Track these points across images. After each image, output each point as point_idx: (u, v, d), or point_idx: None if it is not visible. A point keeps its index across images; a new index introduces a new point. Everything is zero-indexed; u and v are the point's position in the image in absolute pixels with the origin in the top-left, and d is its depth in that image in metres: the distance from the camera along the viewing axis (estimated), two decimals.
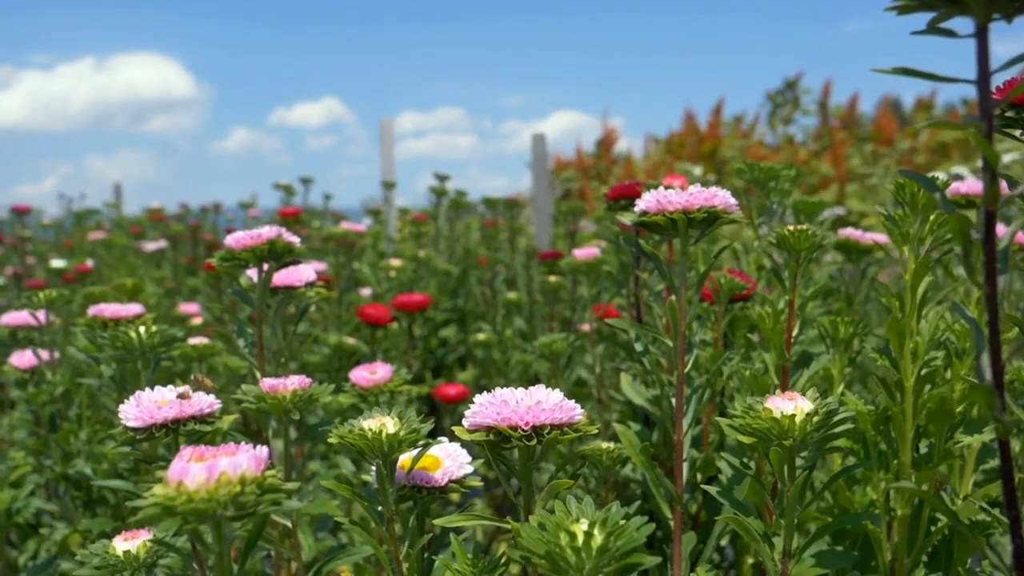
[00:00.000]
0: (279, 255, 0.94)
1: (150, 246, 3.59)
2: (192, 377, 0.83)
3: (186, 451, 0.50)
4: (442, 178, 3.41)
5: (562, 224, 3.53)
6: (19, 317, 1.57)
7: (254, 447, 0.50)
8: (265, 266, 0.95)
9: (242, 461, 0.48)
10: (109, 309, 1.21)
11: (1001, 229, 1.00)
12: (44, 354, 1.46)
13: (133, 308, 1.23)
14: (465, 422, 0.68)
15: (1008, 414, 0.53)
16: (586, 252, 1.80)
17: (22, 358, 1.50)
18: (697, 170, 6.37)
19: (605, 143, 8.96)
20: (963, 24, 0.53)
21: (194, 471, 0.47)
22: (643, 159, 8.79)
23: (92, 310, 1.21)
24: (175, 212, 4.60)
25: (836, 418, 0.64)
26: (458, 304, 2.68)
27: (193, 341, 1.48)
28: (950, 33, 0.53)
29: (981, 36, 0.52)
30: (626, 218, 0.79)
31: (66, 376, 1.46)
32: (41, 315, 1.41)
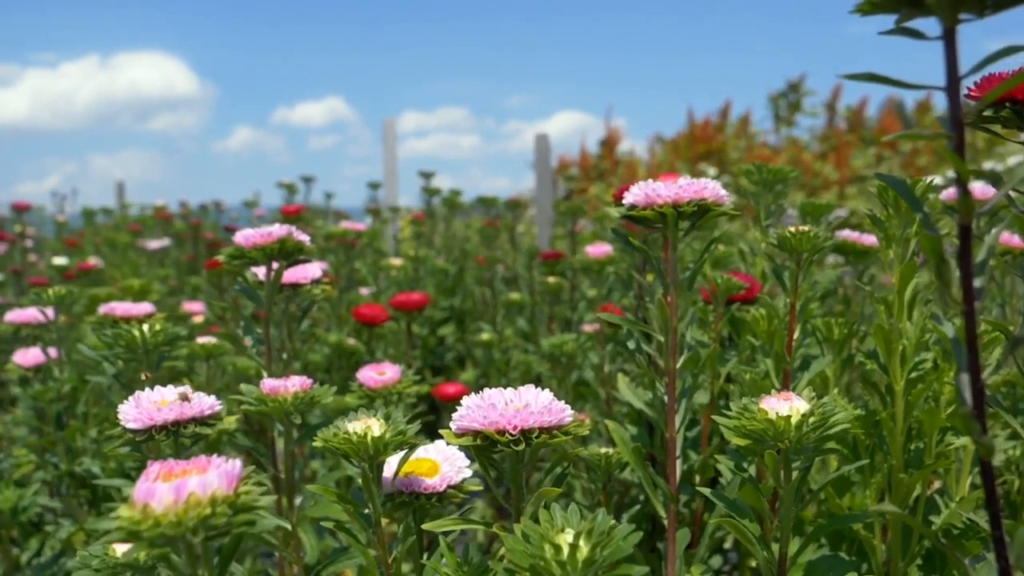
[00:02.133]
0: (289, 254, 0.93)
1: (153, 244, 3.60)
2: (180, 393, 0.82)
3: (153, 467, 0.48)
4: (427, 175, 3.41)
5: (562, 224, 3.53)
6: (25, 315, 1.57)
7: (226, 461, 0.48)
8: (274, 264, 0.95)
9: (212, 479, 0.45)
10: (120, 307, 1.22)
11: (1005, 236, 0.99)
12: (52, 351, 1.46)
13: (144, 307, 1.24)
14: (452, 425, 0.67)
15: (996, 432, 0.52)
16: (599, 249, 1.79)
17: (26, 356, 1.50)
18: (712, 170, 6.36)
19: (608, 143, 8.95)
20: (934, 25, 0.50)
21: (160, 492, 0.44)
22: (648, 159, 8.78)
23: (103, 308, 1.22)
24: (176, 211, 4.61)
25: (832, 419, 0.63)
26: (455, 304, 2.69)
27: (201, 340, 1.48)
28: (918, 35, 0.50)
29: (948, 39, 0.49)
30: (615, 212, 0.78)
31: (73, 374, 1.47)
32: (49, 312, 1.41)
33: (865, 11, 0.50)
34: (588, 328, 1.94)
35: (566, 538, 0.47)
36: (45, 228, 4.79)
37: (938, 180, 0.89)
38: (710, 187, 0.73)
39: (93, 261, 2.93)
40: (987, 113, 0.53)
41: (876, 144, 7.84)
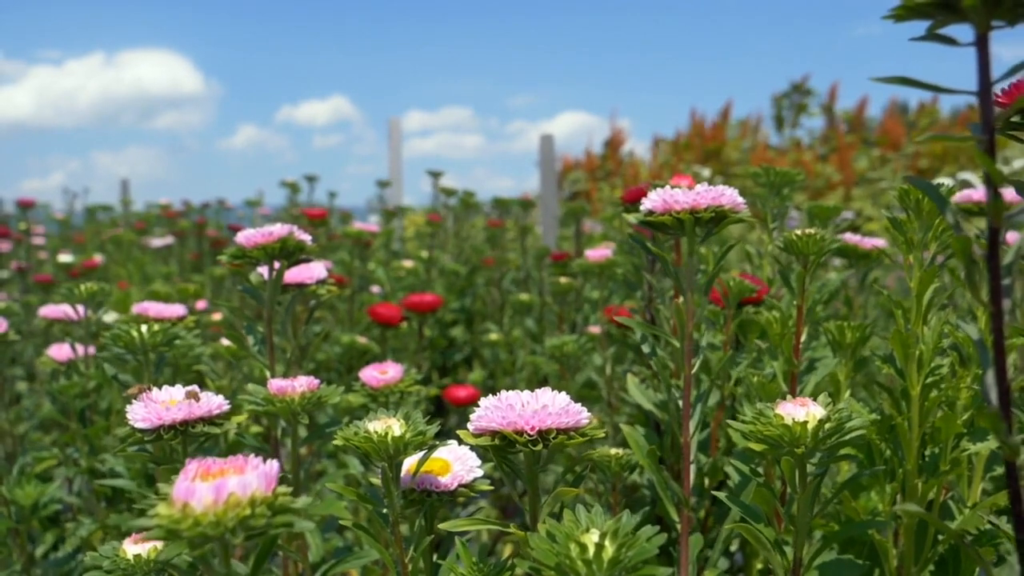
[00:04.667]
0: (290, 253, 0.93)
1: (157, 242, 3.60)
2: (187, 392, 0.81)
3: (191, 466, 0.48)
4: (436, 174, 3.42)
5: (566, 225, 3.53)
6: (59, 310, 1.59)
7: (264, 461, 0.48)
8: (276, 264, 0.95)
9: (251, 480, 0.45)
10: (154, 308, 1.22)
11: (1012, 236, 0.98)
12: (79, 348, 1.46)
13: (176, 309, 1.24)
14: (470, 426, 0.67)
15: (1017, 434, 0.52)
16: (598, 253, 1.78)
17: (60, 351, 1.51)
18: (706, 171, 6.35)
19: (612, 144, 8.95)
20: (965, 31, 0.50)
21: (200, 492, 0.44)
22: (650, 160, 8.78)
23: (136, 308, 1.22)
24: (179, 209, 4.60)
25: (848, 425, 0.63)
26: (465, 304, 2.69)
27: (226, 343, 1.48)
28: (950, 41, 0.51)
29: (981, 45, 0.50)
30: (632, 217, 0.78)
31: (99, 371, 1.47)
32: (80, 309, 1.42)
33: (900, 16, 0.50)
34: (594, 330, 1.94)
35: (592, 538, 0.47)
36: (50, 225, 4.79)
37: (947, 181, 0.88)
38: (727, 194, 0.74)
39: (97, 258, 2.93)
40: (1015, 120, 0.53)
41: (879, 146, 7.84)
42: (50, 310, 1.61)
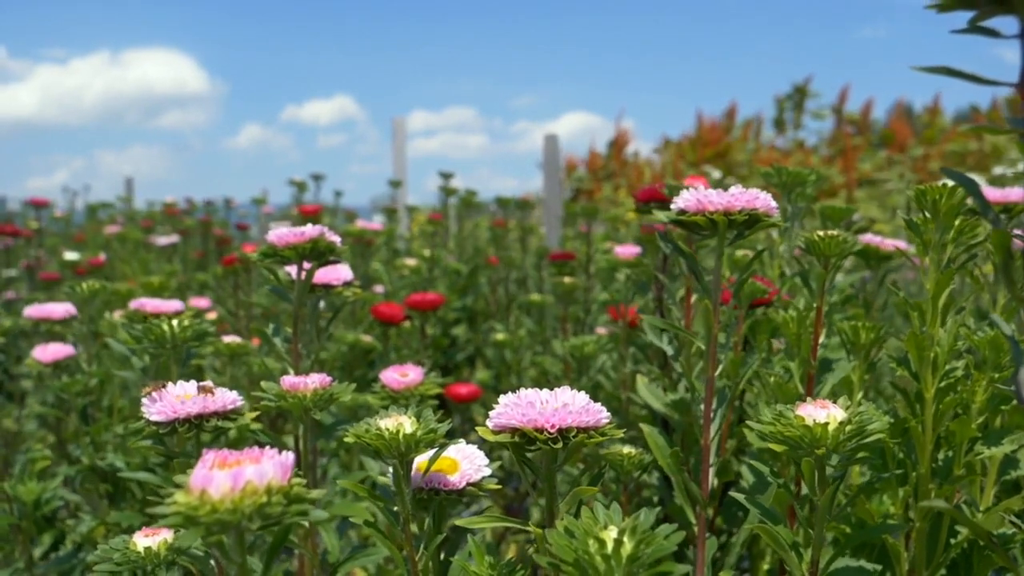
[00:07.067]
0: (321, 254, 0.93)
1: (162, 240, 3.60)
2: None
3: (209, 456, 0.48)
4: (446, 176, 3.43)
5: (570, 225, 3.53)
6: (44, 310, 1.57)
7: (279, 452, 0.48)
8: (306, 264, 0.95)
9: (268, 469, 0.46)
10: (151, 304, 1.23)
11: None
12: (69, 348, 1.46)
13: (173, 304, 1.24)
14: (489, 423, 0.67)
15: None
16: (628, 250, 1.78)
17: (45, 352, 1.49)
18: (716, 173, 6.35)
19: (617, 144, 8.96)
20: (1009, 23, 0.49)
21: (218, 479, 0.45)
22: (656, 161, 8.78)
23: (134, 304, 1.23)
24: (183, 207, 4.60)
25: (869, 427, 0.63)
26: (467, 303, 2.69)
27: (227, 339, 1.48)
28: (993, 33, 0.50)
29: None
30: (662, 216, 0.78)
31: (100, 368, 1.47)
32: (70, 307, 1.42)
33: (944, 7, 0.49)
34: (600, 330, 1.93)
35: (610, 534, 0.47)
36: (51, 223, 4.79)
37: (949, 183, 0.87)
38: (761, 197, 0.74)
39: (103, 257, 2.93)
40: None
41: (886, 147, 7.83)
42: (34, 310, 1.59)
